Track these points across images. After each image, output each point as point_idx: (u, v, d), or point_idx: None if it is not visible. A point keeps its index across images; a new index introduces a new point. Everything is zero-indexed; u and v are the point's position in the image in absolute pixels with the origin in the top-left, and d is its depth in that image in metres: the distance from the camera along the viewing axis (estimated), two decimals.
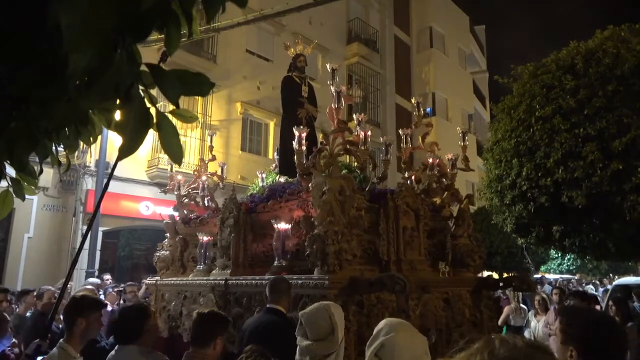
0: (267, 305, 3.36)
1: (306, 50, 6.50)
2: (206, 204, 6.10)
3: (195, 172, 6.57)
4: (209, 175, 6.49)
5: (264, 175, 6.64)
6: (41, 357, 2.82)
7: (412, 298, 3.82)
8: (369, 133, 4.32)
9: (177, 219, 6.28)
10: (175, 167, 6.79)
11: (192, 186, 6.43)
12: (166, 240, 6.36)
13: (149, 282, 6.30)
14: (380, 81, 19.43)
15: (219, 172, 6.64)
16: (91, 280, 7.32)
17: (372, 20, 19.75)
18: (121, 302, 6.75)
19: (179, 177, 6.51)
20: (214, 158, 6.64)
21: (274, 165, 7.07)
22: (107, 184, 2.97)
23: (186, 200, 6.36)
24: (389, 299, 3.69)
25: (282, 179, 5.91)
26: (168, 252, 6.21)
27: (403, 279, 3.25)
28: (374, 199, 4.28)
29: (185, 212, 6.28)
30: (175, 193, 6.38)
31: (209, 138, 6.89)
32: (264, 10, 8.97)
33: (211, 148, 6.75)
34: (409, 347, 1.80)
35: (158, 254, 6.34)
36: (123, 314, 2.79)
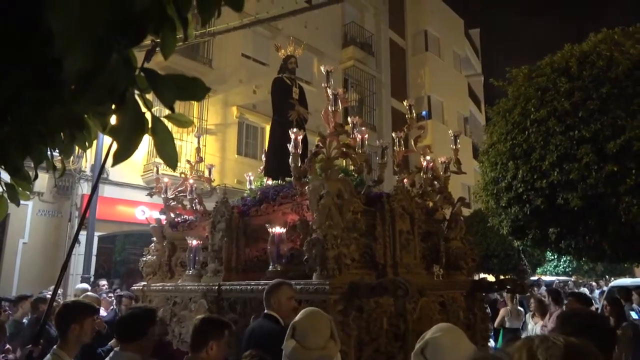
0: (265, 312, 3.35)
1: (297, 51, 6.44)
2: (194, 207, 6.01)
3: (183, 175, 6.40)
4: (197, 178, 6.35)
5: (252, 178, 6.58)
6: None
7: (409, 302, 3.81)
8: (366, 136, 4.32)
9: (164, 222, 6.14)
10: (167, 170, 6.69)
11: (179, 189, 6.27)
12: (153, 244, 6.22)
13: (136, 287, 6.14)
14: (376, 84, 19.48)
15: (206, 175, 6.52)
16: (80, 286, 7.23)
17: (367, 24, 19.81)
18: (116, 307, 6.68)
19: (166, 179, 6.36)
20: (201, 160, 6.55)
21: (261, 167, 7.00)
22: (95, 186, 2.96)
23: (173, 203, 6.21)
24: (387, 303, 3.68)
25: (270, 182, 5.83)
26: (155, 256, 6.07)
27: (405, 283, 3.22)
28: (370, 202, 4.26)
29: (173, 215, 6.15)
30: (162, 196, 6.21)
31: (195, 140, 6.78)
32: (260, 14, 9.00)
33: (198, 150, 6.64)
34: (453, 349, 1.80)
35: (145, 258, 6.20)
36: (131, 312, 2.85)
